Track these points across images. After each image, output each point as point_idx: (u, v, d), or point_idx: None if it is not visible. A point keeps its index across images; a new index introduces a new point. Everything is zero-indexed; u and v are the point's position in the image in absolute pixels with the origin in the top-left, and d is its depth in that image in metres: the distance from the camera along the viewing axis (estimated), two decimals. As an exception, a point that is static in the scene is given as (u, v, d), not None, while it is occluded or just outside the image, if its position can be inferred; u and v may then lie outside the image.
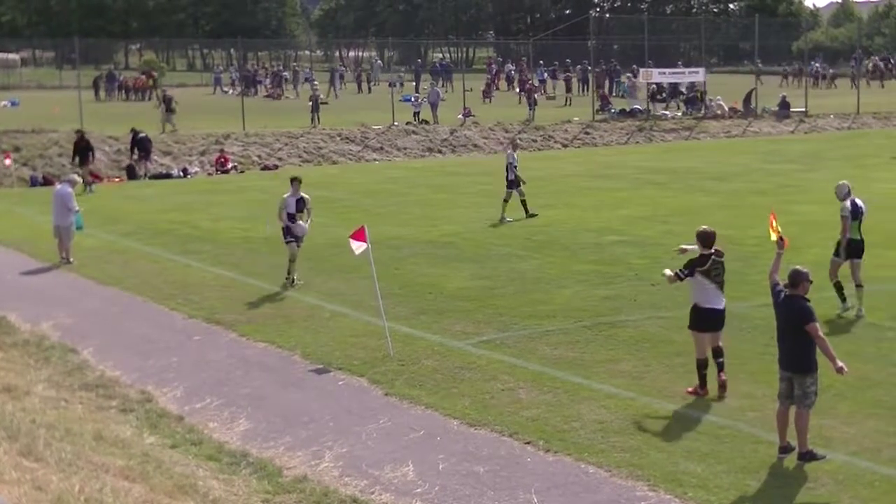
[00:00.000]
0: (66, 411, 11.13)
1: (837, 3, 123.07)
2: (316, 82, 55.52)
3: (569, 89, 58.33)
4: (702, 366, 11.83)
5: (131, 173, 33.65)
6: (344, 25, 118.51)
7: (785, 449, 9.96)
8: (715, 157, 36.93)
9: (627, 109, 49.13)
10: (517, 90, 60.54)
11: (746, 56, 73.54)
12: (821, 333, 9.78)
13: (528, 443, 10.56)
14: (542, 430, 10.83)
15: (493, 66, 73.18)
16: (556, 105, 53.86)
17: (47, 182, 30.74)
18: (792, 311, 9.89)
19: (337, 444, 10.69)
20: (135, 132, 33.88)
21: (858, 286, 15.12)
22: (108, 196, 29.37)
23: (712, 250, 11.85)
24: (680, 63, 55.97)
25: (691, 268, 11.78)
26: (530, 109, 46.28)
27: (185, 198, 28.87)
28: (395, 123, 42.21)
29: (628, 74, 57.61)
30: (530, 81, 53.24)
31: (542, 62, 65.13)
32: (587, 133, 44.07)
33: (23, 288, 18.41)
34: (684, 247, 12.59)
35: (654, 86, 49.78)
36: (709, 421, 11.03)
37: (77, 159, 30.84)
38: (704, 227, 12.10)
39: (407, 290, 17.03)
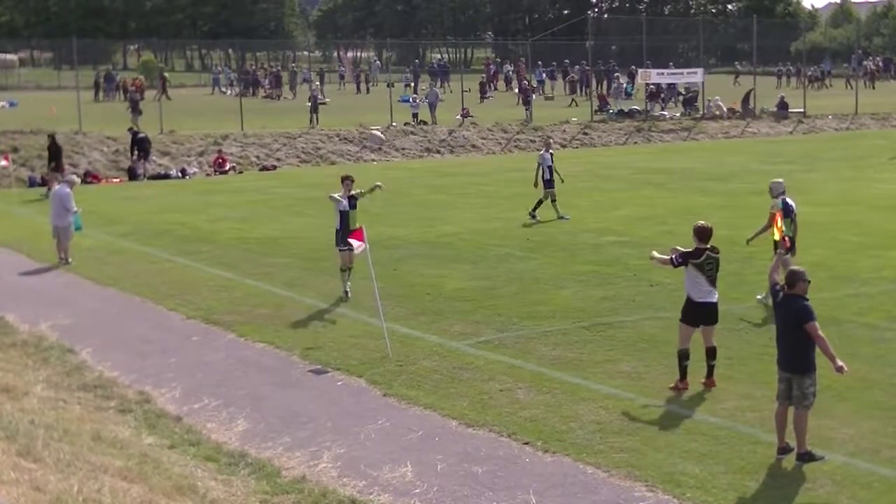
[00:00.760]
0: (64, 412, 11.10)
1: (836, 3, 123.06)
2: (316, 83, 55.52)
3: (573, 90, 58.27)
4: (683, 356, 11.90)
5: (132, 174, 33.65)
6: (342, 26, 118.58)
7: (783, 450, 9.96)
8: (713, 158, 36.98)
9: (626, 110, 49.17)
10: (515, 91, 60.54)
11: (745, 56, 73.45)
12: (820, 333, 9.77)
13: (526, 443, 10.56)
14: (540, 431, 10.83)
15: (492, 66, 73.17)
16: (560, 106, 53.82)
17: (45, 183, 30.68)
18: (790, 311, 9.89)
19: (335, 445, 10.68)
20: (134, 132, 33.85)
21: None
22: (106, 196, 29.36)
23: (708, 246, 11.91)
24: (671, 64, 55.94)
25: (685, 256, 11.85)
26: (526, 110, 46.29)
27: (183, 198, 28.86)
28: (394, 124, 42.23)
29: (617, 75, 57.73)
30: (527, 82, 53.23)
31: (540, 63, 65.14)
32: (585, 133, 44.12)
33: (21, 288, 18.40)
34: (655, 255, 12.59)
35: (652, 86, 49.81)
36: (707, 421, 11.03)
37: (53, 164, 30.41)
38: (702, 221, 12.21)
39: (405, 291, 17.03)
